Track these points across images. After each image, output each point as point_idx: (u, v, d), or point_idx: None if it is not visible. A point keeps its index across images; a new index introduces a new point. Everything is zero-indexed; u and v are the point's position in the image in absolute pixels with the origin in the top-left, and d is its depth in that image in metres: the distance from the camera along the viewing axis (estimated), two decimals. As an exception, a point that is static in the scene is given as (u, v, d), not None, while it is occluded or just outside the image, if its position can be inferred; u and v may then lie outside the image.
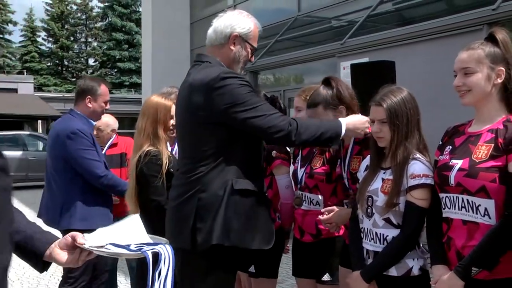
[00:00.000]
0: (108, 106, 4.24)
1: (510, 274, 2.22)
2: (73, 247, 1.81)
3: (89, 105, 4.10)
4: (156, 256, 1.82)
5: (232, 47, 2.79)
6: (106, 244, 1.82)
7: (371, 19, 9.91)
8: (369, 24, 9.86)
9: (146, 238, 1.93)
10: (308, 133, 2.69)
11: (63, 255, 1.80)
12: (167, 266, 1.81)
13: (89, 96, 4.10)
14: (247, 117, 2.59)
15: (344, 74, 8.96)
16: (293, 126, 2.65)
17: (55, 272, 6.63)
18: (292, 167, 3.62)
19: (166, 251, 1.83)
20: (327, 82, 3.11)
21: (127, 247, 1.82)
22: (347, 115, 3.00)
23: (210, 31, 2.82)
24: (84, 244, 1.80)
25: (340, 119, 2.83)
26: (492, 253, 2.22)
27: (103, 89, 4.15)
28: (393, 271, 2.53)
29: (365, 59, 8.01)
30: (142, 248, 1.83)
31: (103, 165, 4.02)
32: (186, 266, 2.72)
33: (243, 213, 2.68)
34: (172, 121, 3.49)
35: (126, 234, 1.89)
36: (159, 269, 1.81)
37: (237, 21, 2.80)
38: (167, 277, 1.81)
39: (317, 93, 3.11)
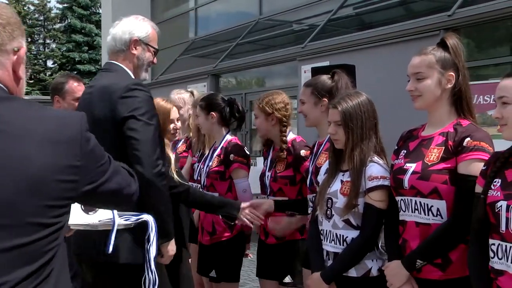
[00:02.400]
0: None
1: (462, 273, 2.28)
2: None
3: (58, 104, 3.83)
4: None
5: (134, 51, 2.83)
6: (89, 222, 1.90)
7: (331, 23, 10.02)
8: (330, 28, 9.96)
9: (110, 213, 1.99)
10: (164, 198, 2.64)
11: None
12: (154, 232, 2.11)
13: (56, 96, 3.84)
14: (134, 136, 2.57)
15: (305, 77, 9.02)
16: (165, 174, 2.65)
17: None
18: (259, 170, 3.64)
19: (152, 219, 2.09)
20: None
21: (113, 220, 1.91)
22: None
23: (109, 38, 2.87)
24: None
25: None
26: (437, 249, 2.31)
27: (70, 85, 3.81)
28: (352, 272, 2.57)
29: (325, 63, 8.07)
30: (130, 218, 2.00)
31: None
32: (106, 280, 2.66)
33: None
34: (173, 125, 3.34)
35: (95, 213, 1.96)
36: (148, 235, 2.11)
37: (134, 26, 2.86)
38: (152, 242, 2.13)
39: (316, 78, 3.18)
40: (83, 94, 2.89)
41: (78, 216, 1.88)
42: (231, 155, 3.57)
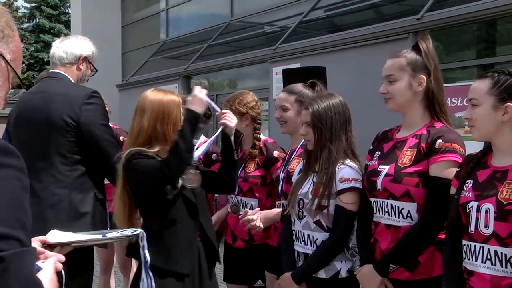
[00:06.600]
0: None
1: (430, 274, 2.32)
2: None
3: None
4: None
5: (80, 67, 3.19)
6: (83, 239, 1.92)
7: (303, 25, 10.07)
8: (301, 30, 10.01)
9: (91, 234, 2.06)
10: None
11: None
12: (146, 245, 2.37)
13: None
14: (103, 137, 2.98)
15: (276, 79, 9.05)
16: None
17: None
18: None
19: (143, 233, 2.29)
20: (312, 84, 3.11)
21: (104, 235, 2.01)
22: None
23: (58, 51, 3.15)
24: (59, 241, 1.84)
25: None
26: (408, 252, 2.32)
27: None
28: (321, 273, 2.57)
29: (297, 65, 8.11)
30: (123, 232, 2.10)
31: None
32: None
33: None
34: None
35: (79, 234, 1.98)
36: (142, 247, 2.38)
37: (85, 45, 3.23)
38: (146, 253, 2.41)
39: (297, 86, 3.14)
40: (28, 99, 3.11)
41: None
42: (214, 155, 3.57)
